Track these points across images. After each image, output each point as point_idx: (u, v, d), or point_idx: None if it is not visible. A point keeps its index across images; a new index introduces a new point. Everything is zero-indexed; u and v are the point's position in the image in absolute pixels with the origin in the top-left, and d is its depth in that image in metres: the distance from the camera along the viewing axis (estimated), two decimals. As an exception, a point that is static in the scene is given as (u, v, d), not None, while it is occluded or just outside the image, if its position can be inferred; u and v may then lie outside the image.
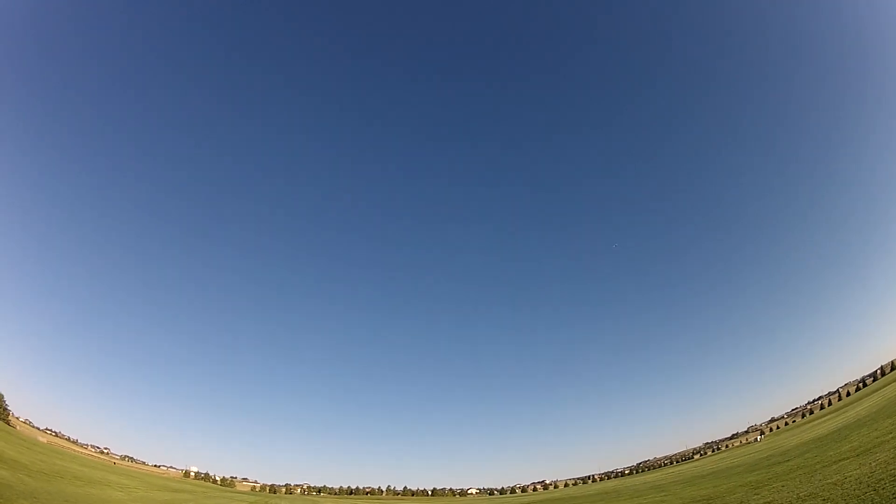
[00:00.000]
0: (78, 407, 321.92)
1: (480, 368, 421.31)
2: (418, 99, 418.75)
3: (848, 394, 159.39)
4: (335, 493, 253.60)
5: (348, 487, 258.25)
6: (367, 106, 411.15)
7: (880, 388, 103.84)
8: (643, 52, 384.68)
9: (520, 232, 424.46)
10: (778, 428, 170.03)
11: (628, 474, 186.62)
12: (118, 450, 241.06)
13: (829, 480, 22.34)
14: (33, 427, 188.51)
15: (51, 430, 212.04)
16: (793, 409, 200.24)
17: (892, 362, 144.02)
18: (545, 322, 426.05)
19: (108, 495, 54.45)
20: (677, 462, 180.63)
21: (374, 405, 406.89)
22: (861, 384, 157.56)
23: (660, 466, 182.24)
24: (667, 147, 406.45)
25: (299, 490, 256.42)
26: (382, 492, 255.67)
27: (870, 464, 22.40)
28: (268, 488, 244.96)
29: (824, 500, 18.85)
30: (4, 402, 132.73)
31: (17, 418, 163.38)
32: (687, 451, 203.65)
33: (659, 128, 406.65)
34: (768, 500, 23.02)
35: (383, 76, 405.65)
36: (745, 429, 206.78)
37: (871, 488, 17.91)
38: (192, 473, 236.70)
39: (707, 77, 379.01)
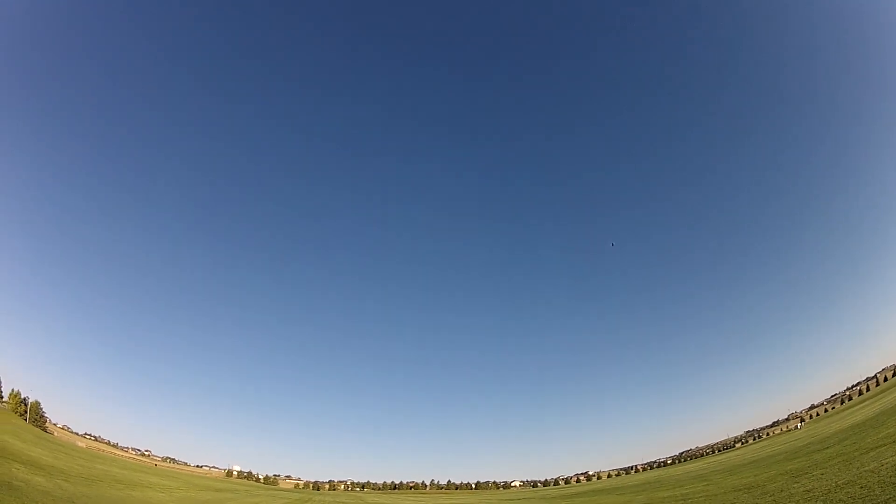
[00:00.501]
0: (118, 411, 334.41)
1: (524, 361, 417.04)
2: (418, 98, 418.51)
3: (885, 378, 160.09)
4: (379, 489, 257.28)
5: (392, 482, 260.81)
6: (364, 102, 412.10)
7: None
8: (645, 51, 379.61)
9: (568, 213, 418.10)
10: (818, 415, 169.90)
11: (671, 464, 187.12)
12: (160, 452, 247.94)
13: (867, 468, 23.36)
14: (72, 433, 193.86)
15: (90, 435, 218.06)
16: (832, 396, 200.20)
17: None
18: (587, 311, 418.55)
19: (150, 497, 55.17)
20: (719, 451, 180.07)
21: (417, 400, 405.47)
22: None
23: (702, 455, 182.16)
24: (671, 144, 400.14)
25: (343, 486, 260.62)
26: (426, 486, 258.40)
27: (906, 450, 23.69)
28: (311, 485, 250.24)
29: (861, 487, 19.76)
30: (41, 409, 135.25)
31: (55, 425, 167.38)
32: (728, 439, 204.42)
33: (665, 125, 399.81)
34: (808, 487, 24.07)
35: (381, 72, 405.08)
36: (786, 416, 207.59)
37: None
38: (235, 472, 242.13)
39: (709, 76, 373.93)
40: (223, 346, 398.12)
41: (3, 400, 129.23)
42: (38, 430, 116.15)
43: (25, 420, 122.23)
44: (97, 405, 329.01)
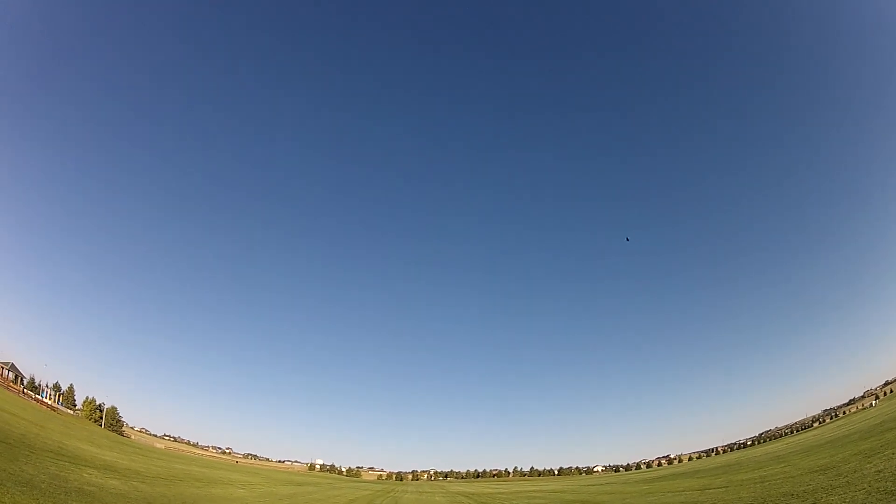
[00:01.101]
0: (197, 412, 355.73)
1: (604, 344, 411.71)
2: (418, 97, 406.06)
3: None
4: (462, 478, 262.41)
5: (475, 471, 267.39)
6: (364, 101, 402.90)
7: None
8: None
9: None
10: (892, 391, 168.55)
11: (750, 445, 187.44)
12: (241, 449, 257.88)
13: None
14: (150, 435, 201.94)
15: (169, 436, 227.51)
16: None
17: None
18: (665, 288, 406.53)
19: (231, 493, 53.87)
20: (797, 431, 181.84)
21: (499, 387, 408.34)
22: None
23: (781, 436, 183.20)
24: (674, 143, 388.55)
25: (426, 476, 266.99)
26: (509, 473, 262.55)
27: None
28: (394, 476, 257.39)
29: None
30: (118, 413, 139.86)
31: (132, 428, 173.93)
32: (806, 419, 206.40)
33: (668, 125, 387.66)
34: (880, 468, 25.44)
35: (381, 71, 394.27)
36: (861, 393, 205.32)
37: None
38: (318, 466, 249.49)
39: (711, 75, 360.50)
40: (304, 342, 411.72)
41: (77, 407, 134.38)
42: (113, 434, 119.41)
43: (101, 426, 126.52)
44: (176, 407, 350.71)
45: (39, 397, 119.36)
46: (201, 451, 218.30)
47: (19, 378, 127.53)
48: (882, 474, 22.94)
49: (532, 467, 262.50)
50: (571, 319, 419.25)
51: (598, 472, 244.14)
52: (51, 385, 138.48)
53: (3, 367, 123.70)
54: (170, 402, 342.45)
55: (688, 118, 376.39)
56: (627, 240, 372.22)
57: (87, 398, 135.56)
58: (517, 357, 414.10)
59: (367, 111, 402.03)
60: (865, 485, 21.96)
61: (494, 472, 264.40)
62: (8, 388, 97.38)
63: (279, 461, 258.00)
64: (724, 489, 40.41)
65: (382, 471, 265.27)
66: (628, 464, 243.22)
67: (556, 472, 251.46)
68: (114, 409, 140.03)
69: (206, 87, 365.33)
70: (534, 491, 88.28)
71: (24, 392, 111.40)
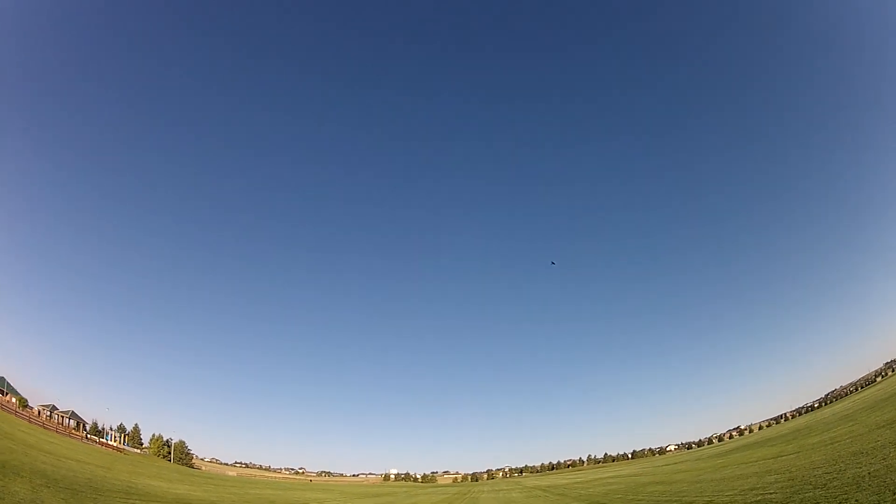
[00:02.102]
0: (266, 436, 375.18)
1: (668, 322, 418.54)
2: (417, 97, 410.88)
3: None
4: (536, 471, 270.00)
5: (549, 463, 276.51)
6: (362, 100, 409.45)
7: None
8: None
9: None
10: None
11: (818, 407, 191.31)
12: (314, 467, 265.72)
13: None
14: (221, 464, 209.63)
15: (240, 463, 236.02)
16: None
17: None
18: (717, 265, 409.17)
19: None
20: (862, 387, 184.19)
21: (567, 377, 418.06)
22: None
23: (846, 394, 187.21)
24: (670, 144, 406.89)
25: (500, 474, 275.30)
26: (583, 462, 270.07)
27: None
28: (469, 477, 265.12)
29: None
30: (186, 447, 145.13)
31: (203, 459, 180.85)
32: (870, 374, 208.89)
33: (664, 126, 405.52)
34: None
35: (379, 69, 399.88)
36: None
37: None
38: (392, 475, 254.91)
39: (708, 74, 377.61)
40: (365, 360, 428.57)
41: (145, 446, 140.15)
42: (183, 467, 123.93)
43: (170, 461, 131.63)
44: (245, 434, 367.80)
45: (104, 440, 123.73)
46: (274, 474, 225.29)
47: (81, 425, 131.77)
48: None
49: (606, 453, 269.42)
50: (631, 298, 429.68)
51: (670, 451, 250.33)
52: (115, 427, 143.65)
53: (63, 416, 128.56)
54: (238, 431, 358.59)
55: (687, 118, 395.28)
56: (553, 263, 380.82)
57: (153, 435, 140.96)
58: (585, 345, 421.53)
59: (364, 108, 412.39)
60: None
61: (569, 463, 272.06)
62: (70, 435, 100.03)
63: (353, 475, 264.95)
64: (795, 455, 41.61)
65: (458, 473, 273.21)
66: (700, 439, 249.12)
67: (629, 456, 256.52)
68: (182, 442, 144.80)
69: (205, 87, 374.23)
70: (609, 478, 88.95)
71: (87, 437, 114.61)
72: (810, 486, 22.87)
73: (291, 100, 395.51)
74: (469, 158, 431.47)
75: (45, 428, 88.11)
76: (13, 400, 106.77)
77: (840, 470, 24.92)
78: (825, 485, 22.05)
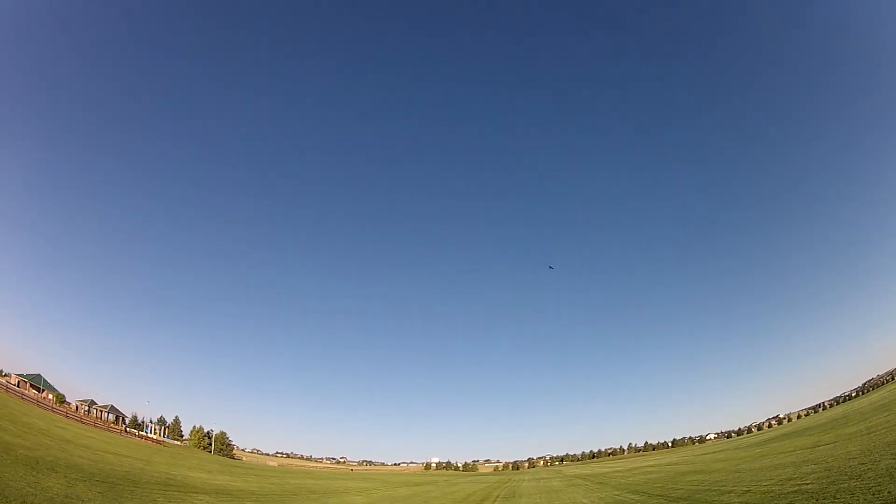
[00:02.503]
0: (307, 425, 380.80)
1: (706, 309, 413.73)
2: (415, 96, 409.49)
3: None
4: (577, 460, 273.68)
5: (590, 452, 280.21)
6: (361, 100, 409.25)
7: None
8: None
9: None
10: None
11: (855, 396, 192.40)
12: (355, 457, 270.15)
13: None
14: (262, 454, 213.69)
15: (282, 453, 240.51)
16: None
17: None
18: (749, 254, 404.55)
19: (347, 501, 55.14)
20: None
21: (608, 366, 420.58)
22: None
23: (883, 383, 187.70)
24: (671, 143, 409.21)
25: (541, 462, 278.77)
26: (624, 451, 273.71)
27: None
28: (510, 466, 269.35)
29: None
30: (227, 438, 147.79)
31: (243, 450, 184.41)
32: None
33: (664, 125, 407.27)
34: None
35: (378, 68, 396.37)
36: None
37: None
38: (433, 464, 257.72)
39: (707, 73, 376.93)
40: (406, 347, 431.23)
41: (185, 438, 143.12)
42: (224, 458, 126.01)
43: (210, 452, 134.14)
44: (286, 424, 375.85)
45: (144, 433, 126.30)
46: (315, 464, 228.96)
47: (120, 418, 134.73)
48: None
49: (646, 442, 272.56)
50: (674, 287, 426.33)
51: (710, 439, 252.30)
52: (155, 420, 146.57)
53: (102, 410, 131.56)
54: (279, 421, 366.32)
55: (689, 117, 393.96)
56: (551, 268, 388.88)
57: (194, 427, 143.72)
58: (627, 335, 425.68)
59: (363, 105, 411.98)
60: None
61: (609, 451, 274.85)
62: (109, 429, 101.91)
63: (394, 464, 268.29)
64: (832, 445, 42.11)
65: (499, 462, 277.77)
66: (739, 428, 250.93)
67: (669, 445, 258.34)
68: (223, 434, 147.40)
69: (204, 87, 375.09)
70: (648, 466, 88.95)
71: (126, 431, 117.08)
72: (846, 477, 23.37)
73: (291, 99, 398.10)
74: (469, 158, 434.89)
75: (83, 423, 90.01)
76: (50, 396, 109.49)
77: (875, 460, 25.69)
78: (860, 475, 22.54)
